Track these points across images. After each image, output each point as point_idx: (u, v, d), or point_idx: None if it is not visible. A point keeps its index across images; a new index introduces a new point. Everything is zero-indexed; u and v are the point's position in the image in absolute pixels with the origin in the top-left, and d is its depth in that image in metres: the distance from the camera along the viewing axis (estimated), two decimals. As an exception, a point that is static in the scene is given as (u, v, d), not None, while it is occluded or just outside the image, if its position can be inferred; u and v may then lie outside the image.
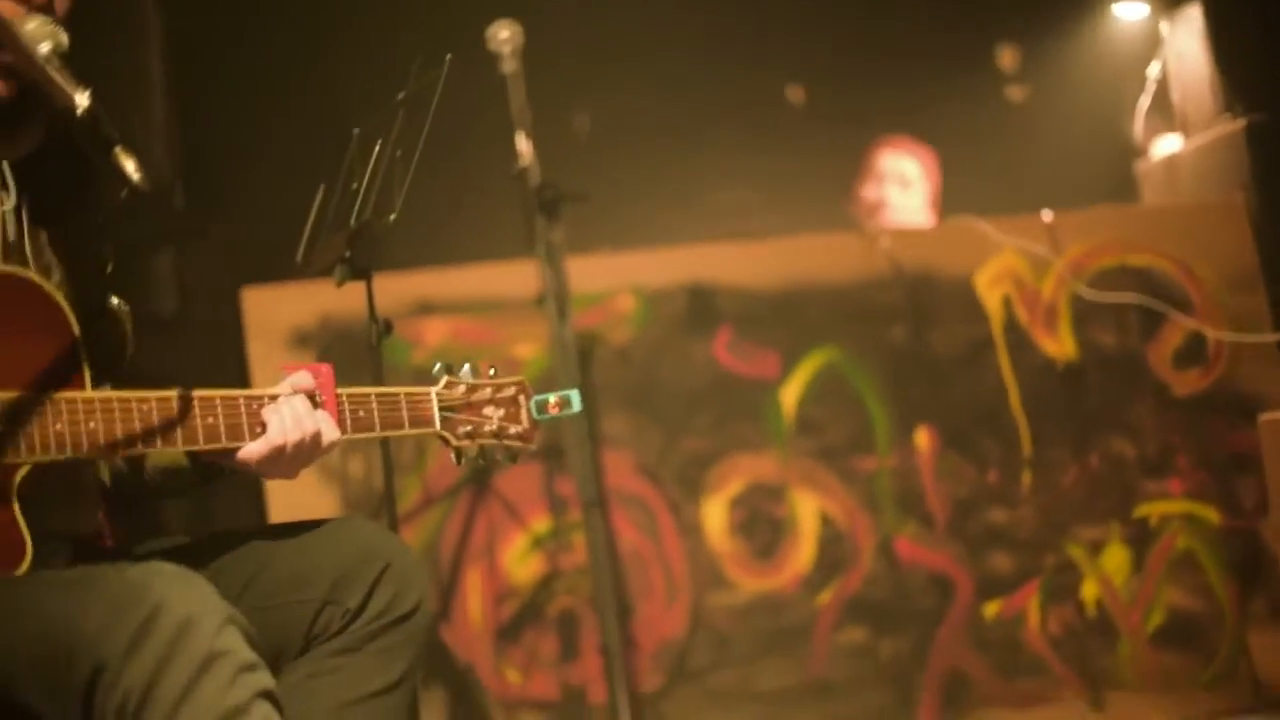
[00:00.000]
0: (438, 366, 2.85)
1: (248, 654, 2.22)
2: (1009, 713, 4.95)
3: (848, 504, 4.95)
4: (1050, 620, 5.05)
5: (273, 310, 4.62)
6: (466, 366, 2.87)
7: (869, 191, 6.10)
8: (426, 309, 4.72)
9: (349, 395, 2.73)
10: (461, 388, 2.85)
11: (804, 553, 4.91)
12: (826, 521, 4.94)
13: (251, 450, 2.57)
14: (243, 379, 4.53)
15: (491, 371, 2.92)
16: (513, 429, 2.89)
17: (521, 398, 2.92)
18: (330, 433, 2.65)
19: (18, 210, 2.57)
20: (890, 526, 4.98)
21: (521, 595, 4.71)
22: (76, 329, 2.50)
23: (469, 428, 2.84)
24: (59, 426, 2.38)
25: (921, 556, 4.99)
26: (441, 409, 2.81)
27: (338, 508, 4.44)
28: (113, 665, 2.14)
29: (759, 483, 4.92)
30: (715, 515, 4.87)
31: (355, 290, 3.73)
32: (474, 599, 4.66)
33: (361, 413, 2.73)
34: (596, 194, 4.57)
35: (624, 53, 6.19)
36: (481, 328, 4.73)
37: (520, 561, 4.72)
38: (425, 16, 5.44)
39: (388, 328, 3.68)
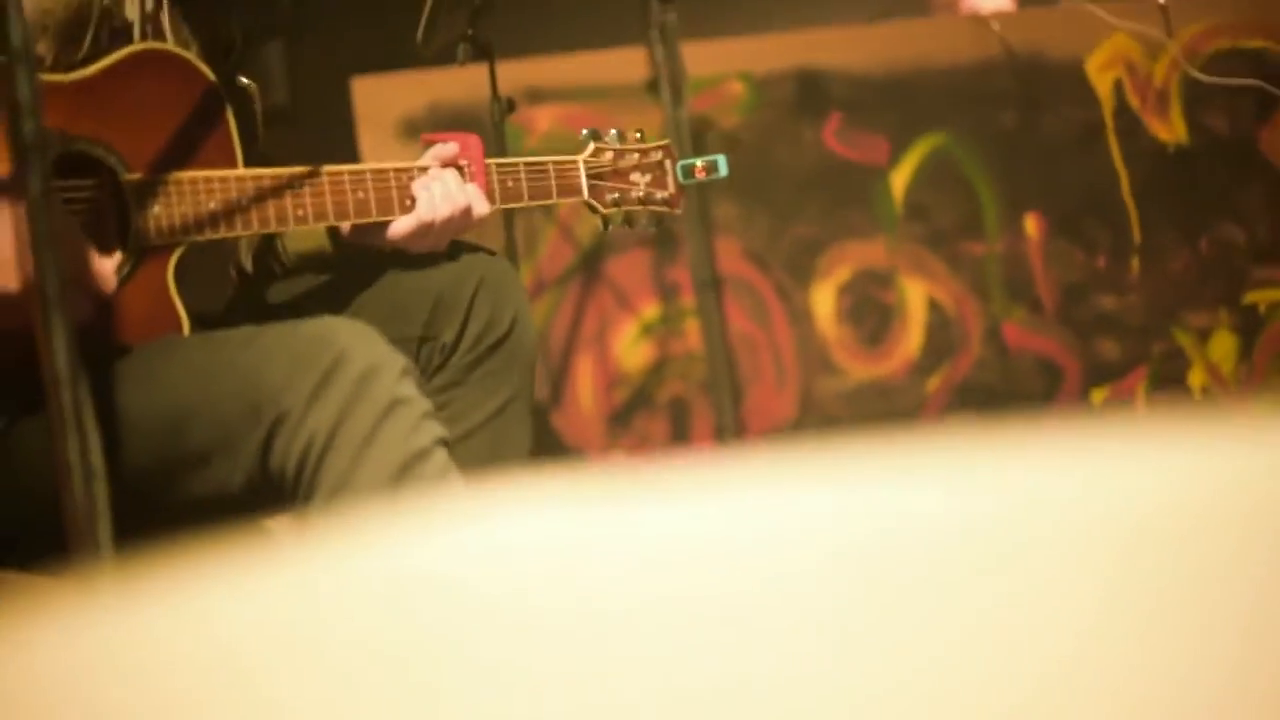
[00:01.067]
0: (584, 133, 2.84)
1: (425, 403, 2.30)
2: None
3: (956, 290, 4.95)
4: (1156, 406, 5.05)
5: (382, 99, 4.62)
6: (614, 131, 2.86)
7: None
8: (536, 96, 4.70)
9: (498, 165, 2.72)
10: (609, 154, 2.83)
11: (913, 338, 4.92)
12: (935, 307, 4.94)
13: (400, 226, 2.59)
14: (354, 168, 4.54)
15: (638, 135, 2.90)
16: (659, 194, 2.88)
17: (668, 162, 2.90)
18: (480, 206, 2.65)
19: None
20: (998, 312, 4.97)
21: (633, 382, 4.75)
22: (229, 107, 2.53)
23: (616, 195, 2.83)
24: (214, 205, 2.42)
25: (1030, 342, 4.99)
26: (589, 176, 2.80)
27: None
28: (296, 411, 2.21)
29: (867, 269, 4.91)
30: (824, 301, 4.87)
31: (461, 78, 3.75)
32: (585, 386, 4.71)
33: (510, 182, 2.72)
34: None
35: None
36: (591, 113, 4.71)
37: (632, 348, 4.75)
38: None
39: (510, 106, 3.70)
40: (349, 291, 2.64)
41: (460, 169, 2.65)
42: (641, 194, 2.85)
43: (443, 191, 2.60)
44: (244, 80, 2.77)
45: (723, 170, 2.90)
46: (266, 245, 2.74)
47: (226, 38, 2.79)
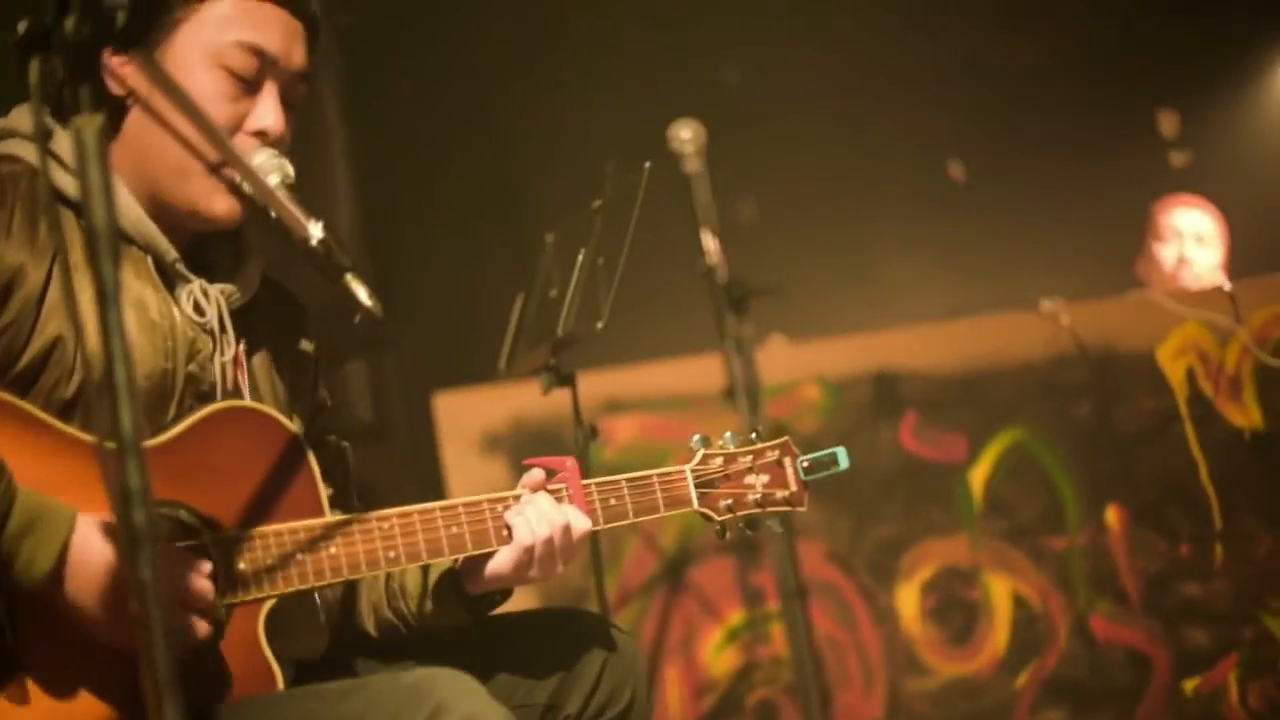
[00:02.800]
0: (695, 438, 2.75)
1: None
2: (1212, 789, 4.89)
3: (1040, 584, 4.92)
4: (1251, 694, 4.97)
5: (464, 414, 4.67)
6: (728, 435, 2.77)
7: (1164, 250, 5.94)
8: (615, 406, 4.76)
9: (598, 485, 2.66)
10: (718, 459, 2.74)
11: (999, 635, 4.88)
12: (1020, 603, 4.91)
13: (502, 559, 2.55)
14: (437, 483, 4.59)
15: (753, 435, 2.81)
16: (779, 494, 2.78)
17: (787, 459, 2.80)
18: (580, 523, 2.58)
19: (235, 358, 2.59)
20: (1084, 605, 4.93)
21: (719, 688, 4.72)
22: (313, 461, 2.54)
23: (730, 500, 2.73)
24: (299, 555, 2.42)
25: (1117, 634, 4.94)
26: (698, 485, 2.72)
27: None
28: None
29: (951, 566, 4.90)
30: (908, 601, 4.85)
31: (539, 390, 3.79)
32: (673, 693, 4.68)
33: (613, 500, 2.65)
34: (768, 278, 4.58)
35: (785, 139, 6.24)
36: (669, 423, 4.77)
37: (717, 654, 4.73)
38: (605, 121, 5.51)
39: (593, 432, 3.73)
40: (477, 656, 2.56)
41: (554, 492, 2.60)
42: (759, 496, 2.74)
43: (537, 515, 2.54)
44: (332, 437, 2.80)
45: (843, 463, 2.79)
46: (391, 607, 2.69)
47: (316, 398, 2.83)
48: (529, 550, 2.54)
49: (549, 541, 2.54)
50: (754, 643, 4.75)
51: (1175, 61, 6.58)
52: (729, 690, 4.72)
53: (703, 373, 4.75)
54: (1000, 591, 4.90)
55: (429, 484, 4.65)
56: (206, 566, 2.31)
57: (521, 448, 4.59)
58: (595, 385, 4.73)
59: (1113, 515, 5.00)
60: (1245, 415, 5.13)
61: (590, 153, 3.88)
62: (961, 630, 4.87)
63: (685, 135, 4.41)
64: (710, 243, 4.36)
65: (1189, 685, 4.95)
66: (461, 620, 2.64)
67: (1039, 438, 4.99)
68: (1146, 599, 4.97)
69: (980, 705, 4.83)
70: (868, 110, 6.42)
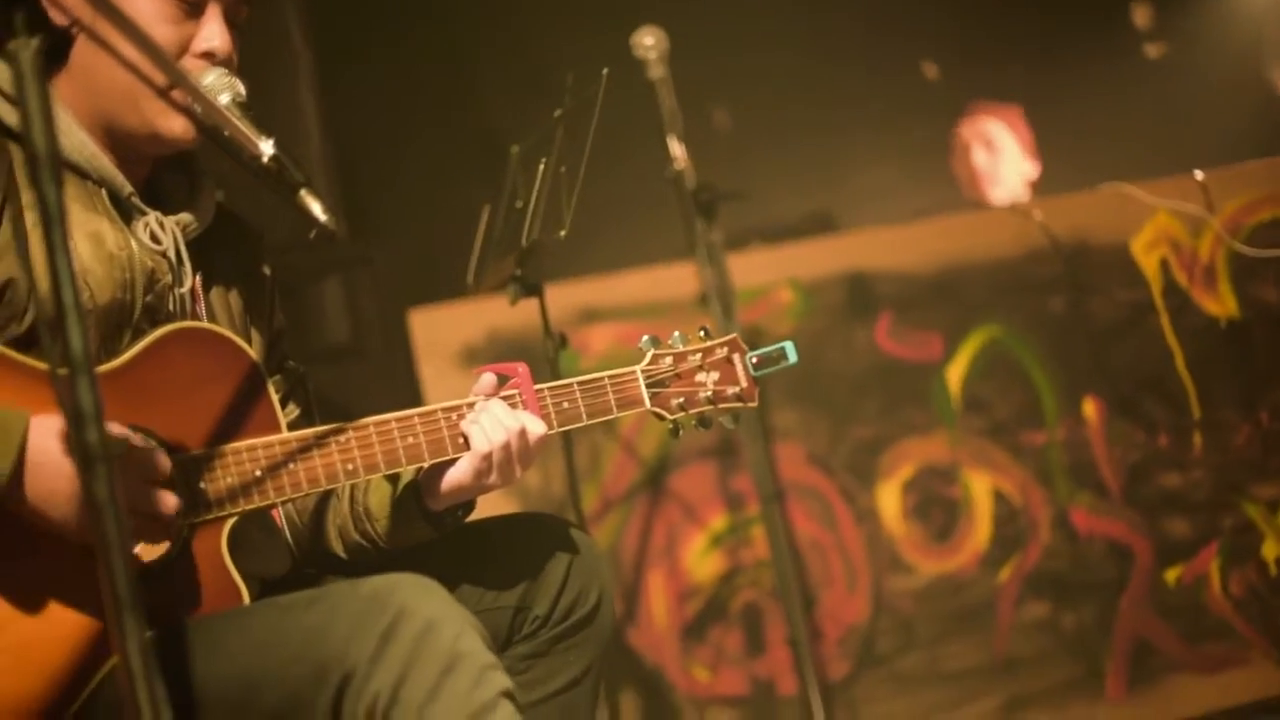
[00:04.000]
0: (644, 339, 2.78)
1: (488, 655, 2.29)
2: (1197, 678, 4.92)
3: (1021, 479, 4.95)
4: (1232, 582, 5.01)
5: (441, 330, 4.68)
6: (676, 334, 2.80)
7: (960, 167, 6.07)
8: (591, 316, 4.77)
9: (550, 389, 2.68)
10: (668, 359, 2.77)
11: (980, 531, 4.91)
12: (1001, 498, 4.94)
13: (461, 468, 2.58)
14: (416, 401, 4.59)
15: (701, 332, 2.84)
16: (730, 390, 2.81)
17: (735, 356, 2.83)
18: (535, 427, 2.60)
19: (192, 289, 2.62)
20: (1065, 498, 4.96)
21: (704, 593, 4.75)
22: (269, 381, 2.55)
23: (681, 399, 2.76)
24: (259, 472, 2.44)
25: (1098, 526, 4.97)
26: (649, 385, 2.75)
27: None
28: (360, 671, 2.22)
29: (931, 465, 4.92)
30: (889, 500, 4.88)
31: (520, 304, 3.79)
32: (657, 600, 4.71)
33: (566, 404, 2.68)
34: (741, 186, 4.58)
35: (754, 46, 6.23)
36: (644, 330, 4.72)
37: (701, 560, 4.76)
38: (563, 27, 5.49)
39: (563, 341, 3.74)
40: (444, 565, 2.58)
41: (509, 398, 2.62)
42: (709, 393, 2.77)
43: (491, 421, 2.56)
44: (291, 362, 2.85)
45: (792, 357, 2.83)
46: (358, 530, 2.72)
47: (274, 325, 2.84)
48: (487, 458, 2.56)
49: (506, 447, 2.56)
50: (737, 547, 4.77)
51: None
52: (713, 595, 4.75)
53: (675, 280, 4.77)
54: (980, 488, 4.93)
55: (408, 402, 4.62)
56: (165, 463, 2.32)
57: (499, 360, 4.59)
58: (570, 296, 4.75)
59: (1090, 408, 5.02)
60: (1220, 304, 5.14)
61: (556, 65, 3.87)
62: (943, 528, 4.90)
63: (648, 42, 4.41)
64: (677, 148, 4.37)
65: (1171, 575, 4.98)
66: (427, 537, 2.67)
67: (1014, 334, 5.01)
68: (1126, 490, 5.00)
69: (964, 601, 4.87)
70: (837, 12, 6.40)
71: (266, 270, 2.87)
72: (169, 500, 2.31)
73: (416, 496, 2.64)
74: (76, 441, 1.80)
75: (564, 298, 4.68)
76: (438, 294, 4.76)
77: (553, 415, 2.66)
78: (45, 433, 2.20)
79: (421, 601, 2.28)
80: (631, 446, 4.74)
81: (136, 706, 1.79)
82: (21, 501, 2.21)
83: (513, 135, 3.90)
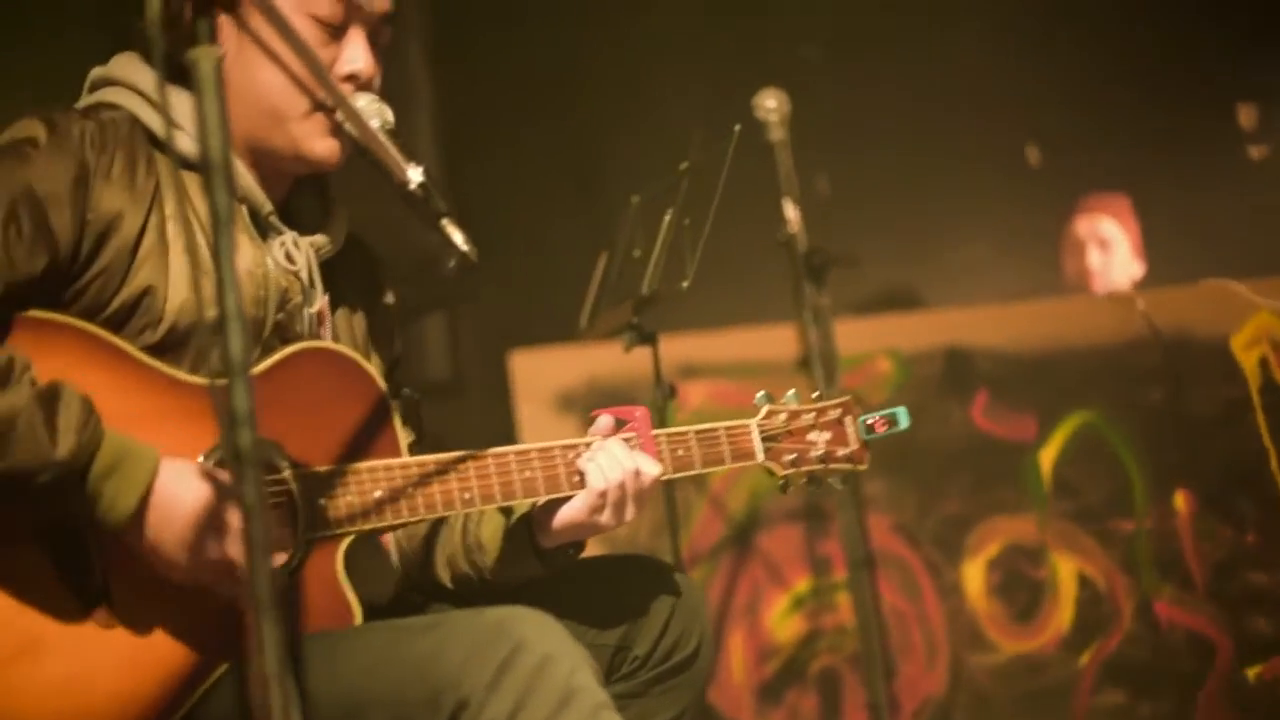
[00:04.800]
0: (759, 395, 2.80)
1: (601, 693, 2.32)
2: (1272, 777, 4.89)
3: (1106, 565, 4.93)
4: (1312, 684, 4.97)
5: (541, 373, 4.71)
6: (791, 392, 2.82)
7: (1071, 264, 6.06)
8: (689, 372, 4.79)
9: (667, 435, 2.70)
10: (783, 415, 2.79)
11: (1063, 614, 4.89)
12: (1085, 583, 4.91)
13: (575, 505, 2.59)
14: (511, 442, 4.60)
15: (815, 395, 2.86)
16: (840, 451, 2.82)
17: (847, 419, 2.84)
18: (650, 468, 2.61)
19: (319, 311, 2.66)
20: (1149, 588, 4.93)
21: (783, 654, 4.75)
22: (392, 405, 2.58)
23: (793, 455, 2.78)
24: (379, 494, 2.46)
25: (1181, 618, 4.94)
26: (763, 439, 2.76)
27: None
28: (476, 699, 2.25)
29: (1018, 544, 4.91)
30: (974, 577, 4.87)
31: (617, 352, 3.82)
32: (736, 657, 4.72)
33: (681, 451, 2.70)
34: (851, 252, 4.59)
35: (859, 116, 6.25)
36: (740, 390, 4.79)
37: (782, 621, 4.76)
38: (687, 87, 5.53)
39: (672, 391, 3.76)
40: (547, 600, 2.55)
41: (627, 440, 2.63)
42: (821, 453, 2.79)
43: (608, 459, 2.58)
44: (406, 390, 2.85)
45: (903, 423, 2.85)
46: (467, 560, 2.74)
47: (393, 352, 2.89)
48: (602, 495, 2.57)
49: (621, 486, 2.58)
50: (819, 611, 4.77)
51: (1257, 53, 6.54)
52: (793, 657, 4.75)
53: (775, 342, 4.77)
54: (1066, 571, 4.91)
55: (503, 442, 4.65)
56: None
57: (596, 407, 4.61)
58: (669, 349, 4.73)
59: (1181, 500, 5.00)
60: (1318, 406, 5.11)
61: (672, 120, 3.91)
62: (1026, 607, 4.88)
63: (770, 104, 4.43)
64: (791, 211, 4.38)
65: (1251, 672, 4.94)
66: (535, 574, 2.68)
67: (1109, 420, 4.99)
68: (1211, 585, 4.96)
69: (1042, 683, 4.84)
70: (947, 91, 6.42)
71: (390, 298, 2.90)
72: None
73: (529, 532, 2.66)
74: (229, 443, 1.83)
75: (664, 351, 4.69)
76: (538, 337, 4.80)
77: (668, 460, 2.68)
78: (172, 474, 2.26)
79: (540, 635, 2.31)
80: (719, 502, 4.75)
81: (268, 709, 1.82)
82: (139, 539, 2.27)
83: (626, 186, 3.94)
